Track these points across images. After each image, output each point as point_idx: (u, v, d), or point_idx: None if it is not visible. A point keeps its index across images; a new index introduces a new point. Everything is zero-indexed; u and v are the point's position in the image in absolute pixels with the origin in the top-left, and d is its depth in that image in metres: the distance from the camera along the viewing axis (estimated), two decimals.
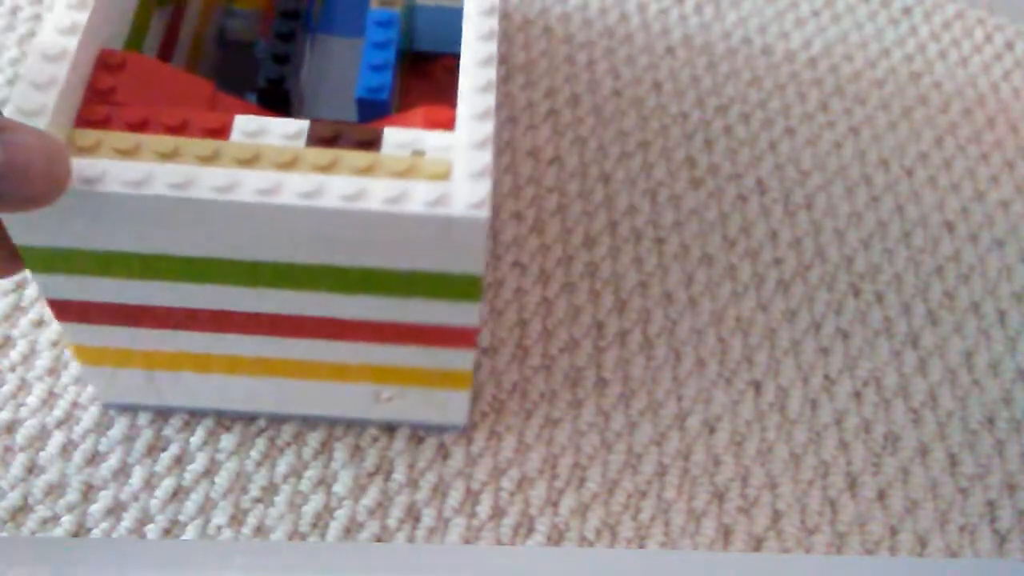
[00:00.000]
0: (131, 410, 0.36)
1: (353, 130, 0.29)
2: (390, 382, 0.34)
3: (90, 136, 0.28)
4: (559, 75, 0.48)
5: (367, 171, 0.28)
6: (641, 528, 0.35)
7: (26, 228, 0.28)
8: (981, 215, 0.45)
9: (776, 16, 0.52)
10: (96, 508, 0.34)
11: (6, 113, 0.27)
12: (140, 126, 0.29)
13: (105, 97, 0.29)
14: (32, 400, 0.36)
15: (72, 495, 0.34)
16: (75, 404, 0.36)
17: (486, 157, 0.28)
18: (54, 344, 0.38)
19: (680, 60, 0.49)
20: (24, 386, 0.37)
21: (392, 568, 0.34)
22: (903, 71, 0.50)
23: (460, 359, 0.33)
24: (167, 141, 0.28)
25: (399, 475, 0.36)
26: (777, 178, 0.45)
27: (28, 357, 0.37)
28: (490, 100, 0.29)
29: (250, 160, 0.28)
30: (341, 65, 0.36)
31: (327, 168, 0.28)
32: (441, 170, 0.28)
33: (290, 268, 0.29)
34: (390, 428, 0.37)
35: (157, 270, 0.29)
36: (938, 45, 0.52)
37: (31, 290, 0.39)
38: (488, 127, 0.29)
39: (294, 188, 0.27)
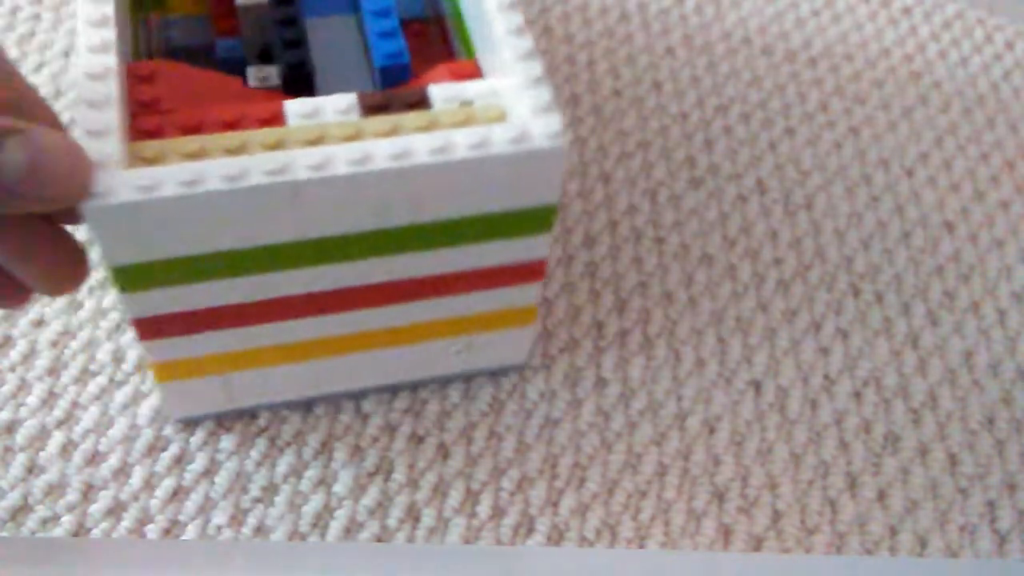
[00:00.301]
0: (195, 419, 0.36)
1: (400, 94, 0.30)
2: (463, 332, 0.35)
3: (151, 147, 0.28)
4: (559, 75, 0.48)
5: (430, 127, 0.29)
6: (641, 528, 0.35)
7: (124, 247, 0.28)
8: (981, 215, 0.45)
9: (776, 16, 0.52)
10: (96, 508, 0.34)
11: (78, 134, 0.27)
12: (196, 128, 0.29)
13: (151, 107, 0.30)
14: (32, 400, 0.36)
15: (72, 495, 0.34)
16: (75, 404, 0.36)
17: (546, 93, 0.30)
18: (54, 344, 0.38)
19: (680, 60, 0.49)
20: (24, 386, 0.37)
21: (392, 568, 0.34)
22: (903, 71, 0.50)
23: (529, 294, 0.34)
24: (231, 137, 0.28)
25: (399, 475, 0.36)
26: (777, 178, 0.45)
27: (28, 357, 0.37)
28: (529, 41, 0.31)
29: (318, 139, 0.29)
30: (335, 43, 0.37)
31: (392, 132, 0.29)
32: (497, 114, 0.30)
33: (376, 235, 0.30)
34: (466, 379, 0.38)
35: (249, 264, 0.30)
36: (938, 45, 0.52)
37: None
38: (537, 66, 0.30)
39: (384, 152, 0.28)
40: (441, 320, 0.34)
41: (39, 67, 0.45)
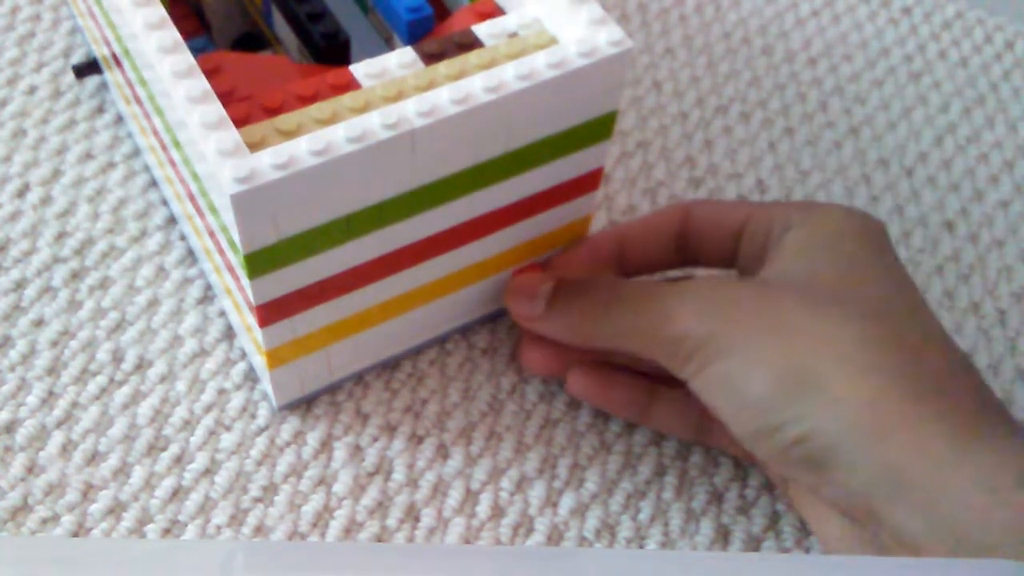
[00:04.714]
0: (303, 403, 0.37)
1: (450, 40, 0.32)
2: (532, 255, 0.37)
3: (252, 131, 0.29)
4: None
5: (495, 63, 0.31)
6: (640, 528, 0.35)
7: (261, 230, 0.29)
8: (981, 215, 0.45)
9: (776, 16, 0.52)
10: (96, 508, 0.34)
11: (194, 129, 0.28)
12: (280, 108, 0.30)
13: (231, 97, 0.31)
14: (32, 400, 0.36)
15: (72, 495, 0.34)
16: (75, 404, 0.36)
17: (596, 7, 0.31)
18: (54, 344, 0.38)
19: (680, 60, 0.49)
20: (24, 386, 0.37)
21: (392, 568, 0.34)
22: (903, 71, 0.50)
23: (589, 204, 0.36)
24: (320, 108, 0.29)
25: (399, 475, 0.36)
26: (777, 178, 0.45)
27: (28, 357, 0.37)
28: None
29: (399, 94, 0.30)
30: (335, 11, 0.38)
31: (461, 74, 0.31)
32: (547, 39, 0.32)
33: (474, 171, 0.31)
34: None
35: (365, 224, 0.31)
36: (938, 45, 0.52)
37: (31, 290, 0.39)
38: None
39: (480, 86, 0.29)
40: (517, 246, 0.36)
41: (39, 67, 0.45)
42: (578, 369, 0.36)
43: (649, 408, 0.35)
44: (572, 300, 0.34)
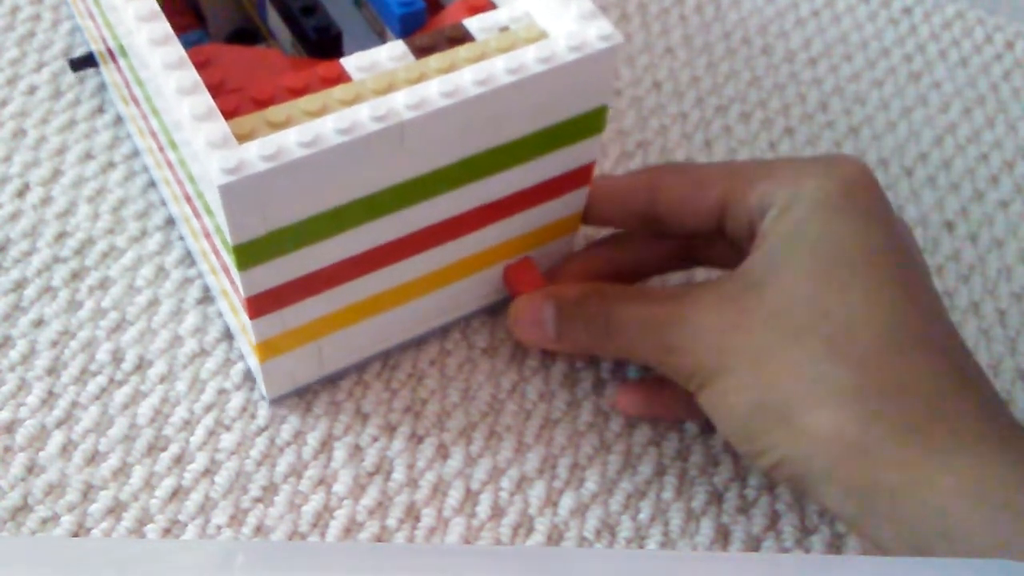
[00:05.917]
0: (296, 396, 0.37)
1: (441, 34, 0.32)
2: (522, 251, 0.37)
3: (242, 123, 0.29)
4: None
5: (485, 56, 0.31)
6: (640, 528, 0.35)
7: (250, 222, 0.29)
8: (981, 215, 0.45)
9: (776, 16, 0.52)
10: (96, 508, 0.34)
11: (185, 122, 0.28)
12: (269, 100, 0.30)
13: (220, 88, 0.31)
14: (32, 400, 0.36)
15: (72, 495, 0.34)
16: (75, 404, 0.36)
17: (585, 3, 0.31)
18: (54, 344, 0.38)
19: (680, 60, 0.49)
20: (24, 386, 0.37)
21: (392, 568, 0.34)
22: (903, 71, 0.50)
23: (579, 200, 0.36)
24: (310, 100, 0.29)
25: (399, 475, 0.36)
26: None
27: (28, 357, 0.37)
28: None
29: (389, 87, 0.30)
30: (329, 6, 0.38)
31: (451, 68, 0.30)
32: (537, 33, 0.32)
33: (462, 165, 0.31)
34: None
35: (354, 217, 0.31)
36: (938, 45, 0.52)
37: (31, 290, 0.39)
38: None
39: (470, 79, 0.29)
40: (508, 240, 0.36)
41: (39, 67, 0.45)
42: (624, 386, 0.37)
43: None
44: (575, 324, 0.34)
